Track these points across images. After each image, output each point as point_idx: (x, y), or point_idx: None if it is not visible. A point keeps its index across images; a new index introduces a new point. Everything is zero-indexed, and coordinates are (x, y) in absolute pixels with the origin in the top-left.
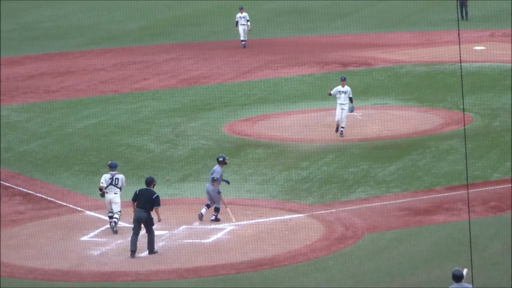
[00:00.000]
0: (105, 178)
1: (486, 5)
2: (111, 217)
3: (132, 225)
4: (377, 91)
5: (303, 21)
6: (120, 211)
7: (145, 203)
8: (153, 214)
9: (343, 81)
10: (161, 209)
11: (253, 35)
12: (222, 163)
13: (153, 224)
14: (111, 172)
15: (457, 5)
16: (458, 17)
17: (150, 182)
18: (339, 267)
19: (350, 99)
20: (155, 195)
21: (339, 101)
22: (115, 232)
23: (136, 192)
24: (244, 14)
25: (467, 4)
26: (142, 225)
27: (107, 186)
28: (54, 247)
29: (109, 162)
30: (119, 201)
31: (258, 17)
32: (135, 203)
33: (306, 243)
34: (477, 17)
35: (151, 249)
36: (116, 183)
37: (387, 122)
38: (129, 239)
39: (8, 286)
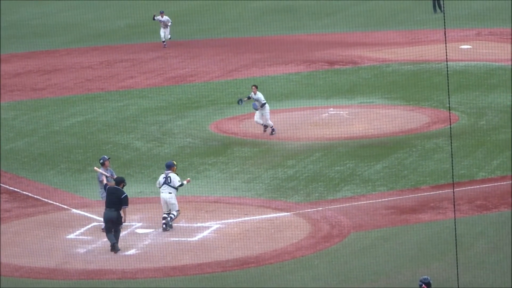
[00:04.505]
0: (159, 179)
1: (473, 4)
2: (164, 218)
3: (104, 225)
4: (363, 90)
5: (290, 19)
6: (178, 210)
7: (114, 203)
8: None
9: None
10: (147, 207)
11: (240, 33)
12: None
13: (121, 224)
14: (166, 171)
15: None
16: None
17: (119, 182)
18: (325, 265)
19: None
20: (124, 195)
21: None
22: (169, 228)
23: (108, 187)
24: (165, 17)
25: None
26: None
27: (162, 185)
28: (40, 245)
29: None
30: (175, 201)
31: (244, 15)
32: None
33: (292, 242)
34: (464, 16)
35: (113, 243)
36: (169, 181)
37: (373, 121)
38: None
39: None
